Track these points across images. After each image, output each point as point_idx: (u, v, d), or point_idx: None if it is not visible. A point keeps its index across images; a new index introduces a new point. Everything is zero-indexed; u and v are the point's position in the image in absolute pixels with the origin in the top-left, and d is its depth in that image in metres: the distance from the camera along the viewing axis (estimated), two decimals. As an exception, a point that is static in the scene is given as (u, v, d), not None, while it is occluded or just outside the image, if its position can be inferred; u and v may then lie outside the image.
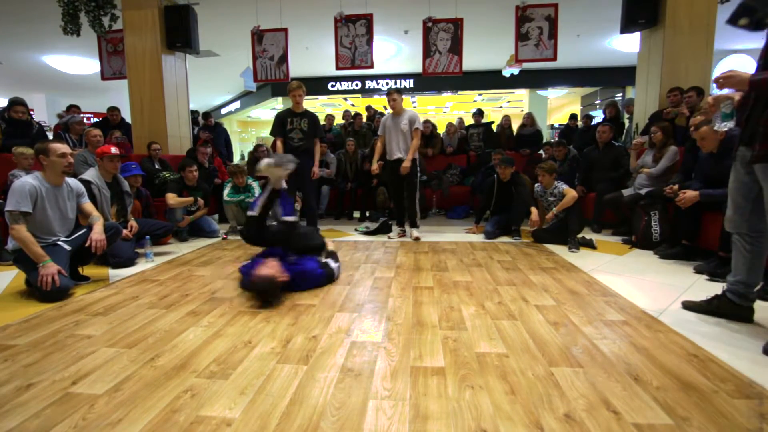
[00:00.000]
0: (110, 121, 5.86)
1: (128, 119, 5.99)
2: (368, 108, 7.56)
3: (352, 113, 6.93)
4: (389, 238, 4.22)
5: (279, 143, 4.06)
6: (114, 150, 3.28)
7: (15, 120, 4.37)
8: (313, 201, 4.33)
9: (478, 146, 6.41)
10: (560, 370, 1.49)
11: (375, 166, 4.27)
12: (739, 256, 1.95)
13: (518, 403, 1.29)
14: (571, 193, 3.79)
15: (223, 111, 15.66)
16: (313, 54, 9.32)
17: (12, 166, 3.69)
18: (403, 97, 4.22)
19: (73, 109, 5.76)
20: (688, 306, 2.13)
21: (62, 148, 2.52)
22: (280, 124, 4.06)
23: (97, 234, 2.59)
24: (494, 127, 6.90)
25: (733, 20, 1.69)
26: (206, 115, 6.88)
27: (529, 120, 6.69)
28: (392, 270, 2.95)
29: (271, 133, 4.20)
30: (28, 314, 2.13)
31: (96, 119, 9.99)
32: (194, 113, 6.88)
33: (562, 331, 1.85)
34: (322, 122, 6.89)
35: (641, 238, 3.61)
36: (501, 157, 4.45)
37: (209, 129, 6.60)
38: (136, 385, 1.42)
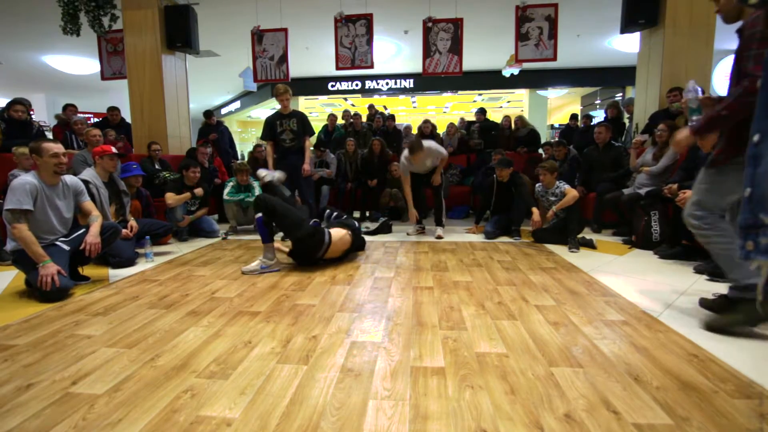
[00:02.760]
0: (110, 121, 5.85)
1: (128, 119, 5.99)
2: (370, 107, 7.53)
3: (352, 113, 6.92)
4: (408, 234, 4.41)
5: (269, 147, 4.19)
6: (113, 149, 3.30)
7: (14, 120, 4.37)
8: (311, 197, 4.39)
9: (478, 143, 6.41)
10: (560, 370, 1.49)
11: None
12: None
13: (518, 403, 1.29)
14: (572, 193, 3.79)
15: (223, 111, 15.66)
16: (313, 54, 9.33)
17: (12, 166, 3.69)
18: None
19: (70, 108, 5.74)
20: (705, 304, 2.06)
21: (55, 148, 2.49)
22: (270, 128, 4.18)
23: (92, 237, 2.57)
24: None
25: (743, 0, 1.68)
26: (208, 113, 6.75)
27: (520, 122, 6.68)
28: (392, 270, 2.95)
29: (261, 138, 4.31)
30: (28, 314, 2.13)
31: (96, 119, 9.97)
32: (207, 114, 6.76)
33: (562, 331, 1.85)
34: (324, 122, 6.90)
35: (641, 238, 3.61)
36: (500, 158, 4.46)
37: (212, 128, 6.55)
38: (136, 385, 1.42)
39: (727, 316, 1.86)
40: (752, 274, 1.80)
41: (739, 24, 1.80)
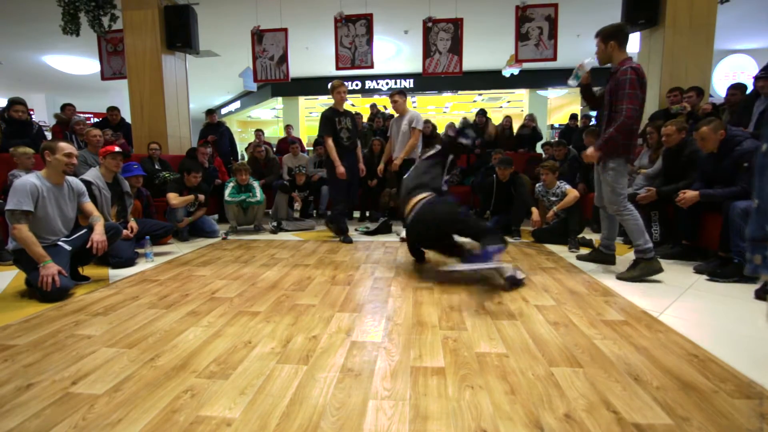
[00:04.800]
0: (110, 122, 5.81)
1: (128, 119, 5.98)
2: (372, 106, 7.51)
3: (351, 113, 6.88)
4: (398, 234, 4.27)
5: (331, 142, 3.96)
6: (117, 149, 3.31)
7: (15, 120, 4.37)
8: (356, 198, 4.49)
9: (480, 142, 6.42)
10: (560, 370, 1.49)
11: (381, 167, 4.34)
12: (603, 222, 3.03)
13: (518, 403, 1.29)
14: (573, 193, 3.79)
15: (223, 111, 15.66)
16: (313, 54, 9.32)
17: (12, 166, 3.69)
18: (407, 97, 4.27)
19: (68, 108, 5.72)
20: (581, 257, 3.15)
21: (69, 148, 2.54)
22: (330, 123, 3.99)
23: (98, 235, 2.59)
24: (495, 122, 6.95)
25: None
26: (210, 111, 6.65)
27: (531, 120, 6.71)
28: (392, 270, 2.95)
29: (320, 134, 4.13)
30: (28, 314, 2.13)
31: (96, 119, 9.97)
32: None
33: (562, 331, 1.85)
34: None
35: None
36: (500, 158, 4.46)
37: (213, 128, 6.52)
38: (136, 385, 1.42)
39: (630, 271, 2.65)
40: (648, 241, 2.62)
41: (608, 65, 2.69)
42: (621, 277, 2.67)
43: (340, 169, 3.91)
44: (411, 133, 4.09)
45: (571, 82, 2.77)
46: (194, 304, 2.25)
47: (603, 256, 3.06)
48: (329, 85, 4.02)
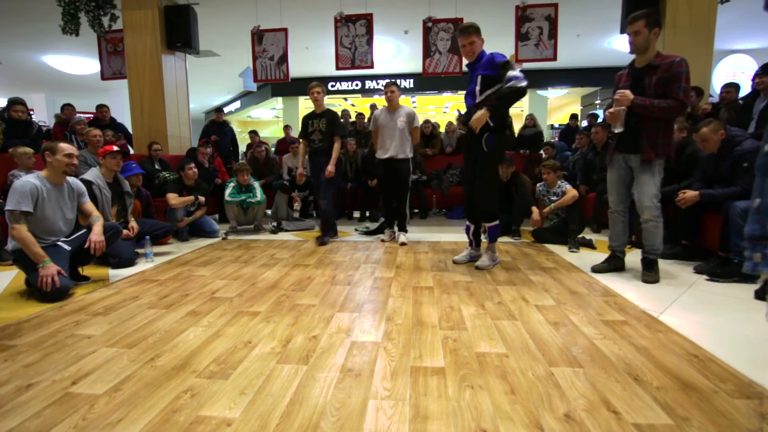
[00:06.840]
0: (100, 120, 5.67)
1: (128, 119, 5.97)
2: (372, 106, 7.51)
3: (353, 113, 6.90)
4: (382, 241, 4.11)
5: (302, 146, 4.19)
6: (115, 147, 3.31)
7: (15, 120, 4.37)
8: (330, 200, 4.09)
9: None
10: (560, 370, 1.49)
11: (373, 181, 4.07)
12: (617, 226, 2.87)
13: (518, 403, 1.29)
14: (571, 193, 3.79)
15: (224, 111, 15.66)
16: (313, 54, 9.33)
17: (12, 166, 3.69)
18: (401, 95, 4.23)
19: (68, 108, 5.70)
20: (596, 269, 2.88)
21: (70, 149, 2.55)
22: (303, 126, 4.16)
23: (96, 235, 2.59)
24: None
25: None
26: (217, 109, 6.66)
27: (531, 121, 6.73)
28: (392, 270, 2.95)
29: (299, 136, 4.29)
30: (28, 314, 2.13)
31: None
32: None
33: (562, 331, 1.85)
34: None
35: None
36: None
37: (218, 126, 6.50)
38: (136, 385, 1.42)
39: (656, 274, 2.64)
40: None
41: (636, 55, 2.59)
42: (648, 280, 2.62)
43: (299, 170, 4.22)
44: (412, 132, 3.95)
45: (618, 129, 2.61)
46: (194, 304, 2.25)
47: (618, 262, 2.91)
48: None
